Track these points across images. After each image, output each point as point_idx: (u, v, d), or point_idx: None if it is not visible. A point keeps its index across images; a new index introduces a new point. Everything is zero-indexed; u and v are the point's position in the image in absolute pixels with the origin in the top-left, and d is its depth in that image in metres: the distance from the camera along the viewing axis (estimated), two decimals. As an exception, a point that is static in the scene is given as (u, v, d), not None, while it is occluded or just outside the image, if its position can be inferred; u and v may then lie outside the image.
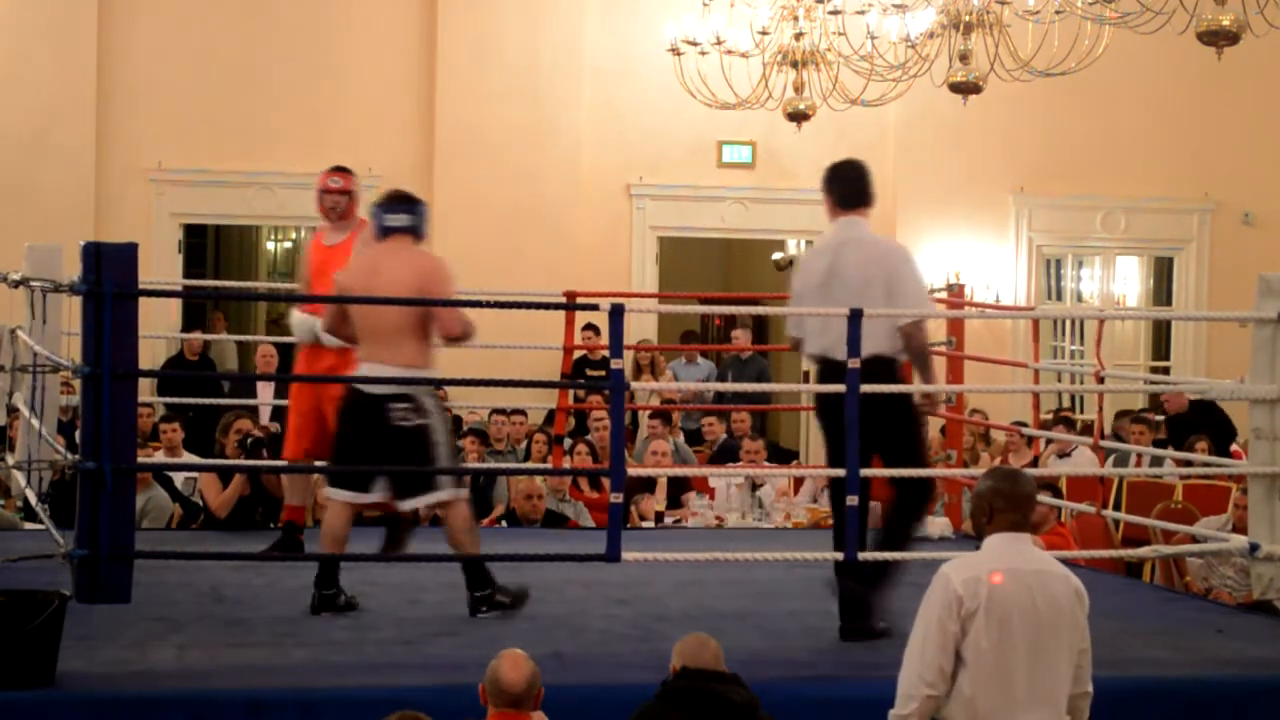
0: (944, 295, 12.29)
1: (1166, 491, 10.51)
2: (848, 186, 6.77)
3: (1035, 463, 10.73)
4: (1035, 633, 4.41)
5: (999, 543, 4.54)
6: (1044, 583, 4.47)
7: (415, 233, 6.87)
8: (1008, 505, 4.57)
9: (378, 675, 5.72)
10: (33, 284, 6.72)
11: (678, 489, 10.88)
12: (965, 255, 15.16)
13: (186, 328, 15.06)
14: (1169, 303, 15.92)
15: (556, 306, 7.46)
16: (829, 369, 6.66)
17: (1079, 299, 15.97)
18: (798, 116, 11.78)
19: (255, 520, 9.08)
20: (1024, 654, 4.40)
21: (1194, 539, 8.22)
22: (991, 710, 4.38)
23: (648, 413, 12.84)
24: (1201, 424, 11.96)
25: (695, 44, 11.65)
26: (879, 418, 6.51)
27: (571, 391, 11.03)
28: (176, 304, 14.48)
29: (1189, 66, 13.53)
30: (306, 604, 6.84)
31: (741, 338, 14.14)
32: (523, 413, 12.04)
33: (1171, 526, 9.01)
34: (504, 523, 9.80)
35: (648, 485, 10.69)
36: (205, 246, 18.00)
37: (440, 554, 6.96)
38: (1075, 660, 4.49)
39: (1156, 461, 11.39)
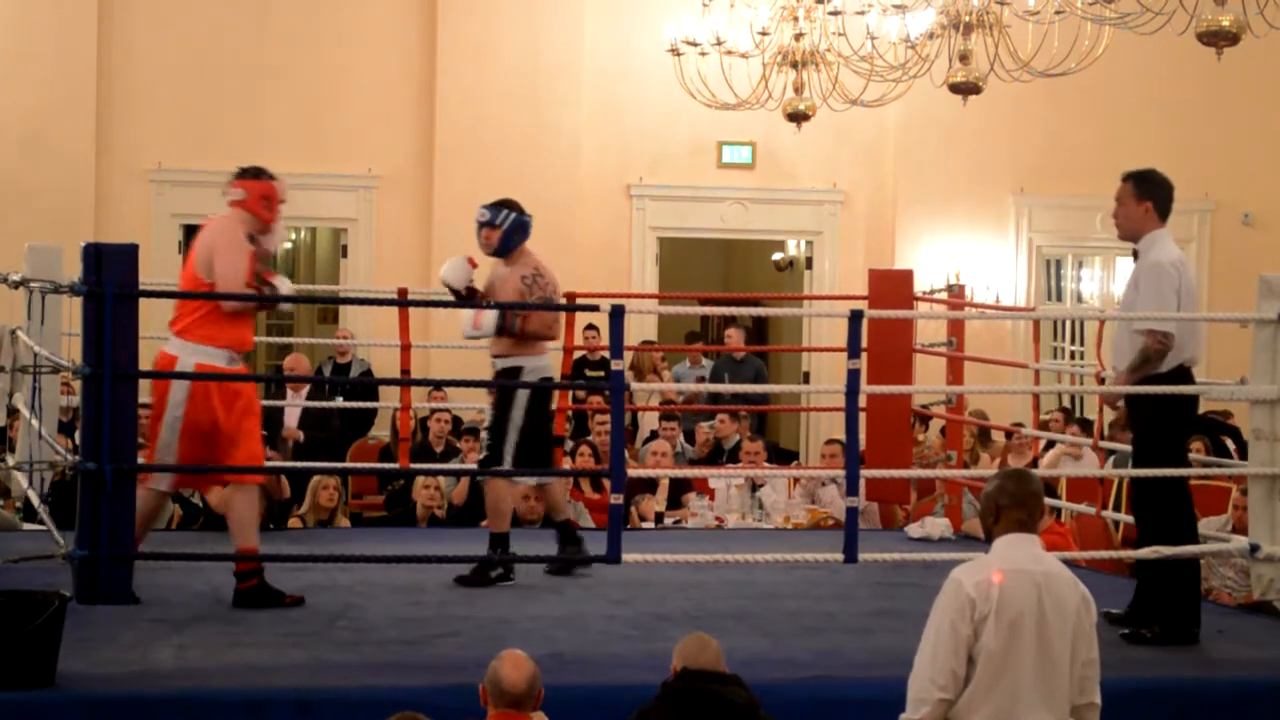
0: (944, 295, 12.29)
1: (1166, 492, 10.50)
2: (1168, 197, 6.90)
3: (1035, 464, 10.73)
4: (1042, 634, 4.40)
5: (1007, 544, 4.54)
6: (1052, 585, 4.46)
7: None
8: (1013, 503, 4.57)
9: (378, 675, 5.72)
10: (32, 285, 6.72)
11: (678, 489, 10.88)
12: (965, 255, 15.16)
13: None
14: (1169, 303, 15.88)
15: (557, 308, 7.46)
16: (1192, 378, 6.85)
17: (1079, 299, 15.96)
18: (798, 117, 11.77)
19: (264, 522, 9.08)
20: (1031, 655, 4.39)
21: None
22: (997, 711, 4.37)
23: (650, 413, 12.85)
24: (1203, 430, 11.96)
25: (695, 44, 11.64)
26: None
27: (571, 392, 11.02)
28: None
29: (1189, 66, 13.52)
30: (305, 604, 6.86)
31: (735, 337, 14.12)
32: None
33: (1171, 527, 9.00)
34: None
35: (648, 486, 10.70)
36: (205, 247, 17.97)
37: (442, 555, 6.98)
38: (1081, 669, 4.47)
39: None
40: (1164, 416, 6.78)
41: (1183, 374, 6.76)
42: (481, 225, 7.67)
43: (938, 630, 4.43)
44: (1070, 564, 7.65)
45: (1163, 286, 6.68)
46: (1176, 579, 6.75)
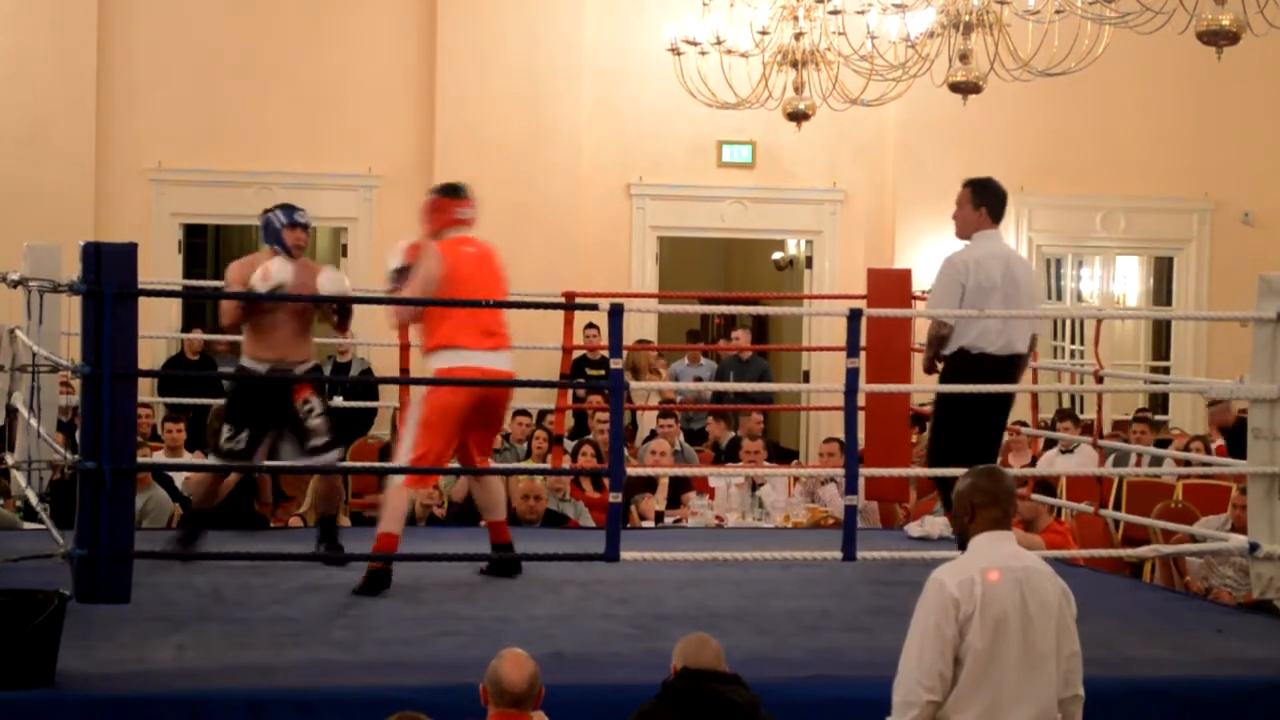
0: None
1: (1166, 491, 10.52)
2: (1000, 203, 7.46)
3: (1034, 462, 10.73)
4: (1026, 630, 4.40)
5: (985, 542, 4.53)
6: (1033, 581, 4.46)
7: None
8: (989, 501, 4.56)
9: (378, 675, 5.72)
10: (32, 284, 6.72)
11: (678, 489, 10.88)
12: (965, 255, 15.15)
13: (186, 328, 15.06)
14: (1169, 303, 15.92)
15: (556, 306, 7.46)
16: (985, 362, 7.37)
17: (1079, 299, 15.97)
18: (798, 116, 11.78)
19: (257, 520, 9.09)
20: (1017, 652, 4.38)
21: (1194, 539, 8.22)
22: (984, 709, 4.37)
23: (651, 412, 12.85)
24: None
25: (695, 44, 11.65)
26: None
27: (570, 391, 11.02)
28: (176, 304, 14.49)
29: (1189, 66, 13.53)
30: (305, 604, 6.86)
31: (742, 338, 14.16)
32: (527, 413, 12.03)
33: (1171, 526, 9.01)
34: (504, 522, 9.79)
35: (648, 485, 10.69)
36: (205, 246, 18.02)
37: (444, 554, 6.97)
38: (1065, 662, 4.48)
39: (1156, 461, 11.40)
40: (944, 397, 7.55)
41: (966, 358, 7.36)
42: (306, 226, 7.78)
43: (922, 632, 4.41)
44: (1070, 563, 7.68)
45: (944, 278, 7.49)
46: None
